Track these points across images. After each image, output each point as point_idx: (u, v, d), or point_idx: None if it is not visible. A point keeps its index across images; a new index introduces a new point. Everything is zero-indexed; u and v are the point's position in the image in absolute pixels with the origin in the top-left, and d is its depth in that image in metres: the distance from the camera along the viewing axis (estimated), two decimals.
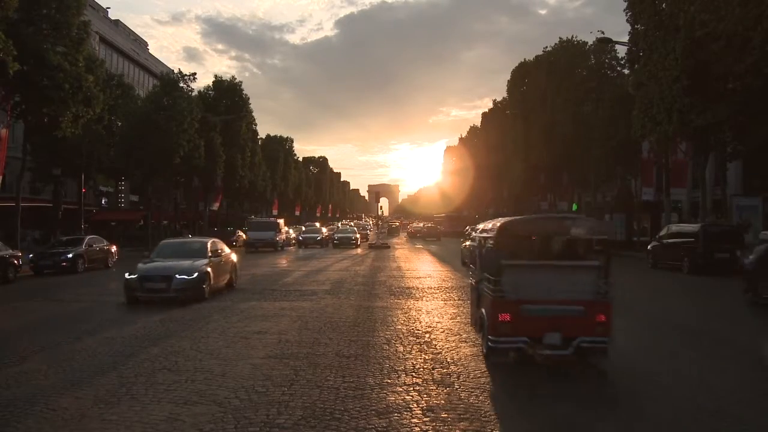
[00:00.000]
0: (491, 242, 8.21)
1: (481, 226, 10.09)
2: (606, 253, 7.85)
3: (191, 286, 14.01)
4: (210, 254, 15.47)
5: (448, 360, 8.28)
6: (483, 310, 8.14)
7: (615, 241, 29.96)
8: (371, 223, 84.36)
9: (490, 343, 7.70)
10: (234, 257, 17.71)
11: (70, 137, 27.71)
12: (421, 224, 77.30)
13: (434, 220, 77.03)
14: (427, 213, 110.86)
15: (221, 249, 16.77)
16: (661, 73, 23.47)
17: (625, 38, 28.15)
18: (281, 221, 42.95)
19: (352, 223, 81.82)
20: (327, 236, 48.15)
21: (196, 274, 14.15)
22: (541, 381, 7.18)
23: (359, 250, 40.42)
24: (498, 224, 8.38)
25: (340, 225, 77.54)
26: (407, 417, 5.89)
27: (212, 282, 14.89)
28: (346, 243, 42.88)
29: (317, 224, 69.61)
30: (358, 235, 44.75)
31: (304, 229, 52.28)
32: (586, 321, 7.31)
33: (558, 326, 7.33)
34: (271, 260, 30.46)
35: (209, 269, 14.75)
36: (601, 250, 8.25)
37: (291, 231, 49.76)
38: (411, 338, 9.83)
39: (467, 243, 21.34)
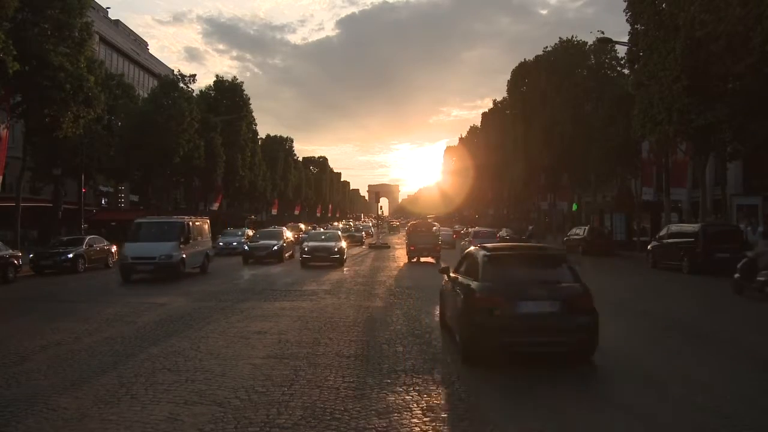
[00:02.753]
0: (408, 228, 32.23)
1: (410, 224, 35.35)
2: (437, 230, 31.18)
3: None
4: None
5: (448, 360, 8.28)
6: (407, 248, 29.36)
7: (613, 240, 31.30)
8: (370, 224, 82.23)
9: (408, 256, 28.91)
10: None
11: (71, 137, 27.74)
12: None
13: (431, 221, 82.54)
14: (427, 213, 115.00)
15: None
16: (661, 73, 23.45)
17: (625, 38, 28.16)
18: (201, 222, 23.42)
19: (353, 224, 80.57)
20: (293, 241, 32.78)
21: None
22: (542, 381, 7.18)
23: (361, 248, 40.26)
24: (409, 224, 39.60)
25: (333, 226, 68.70)
26: (407, 417, 5.89)
27: None
28: (322, 258, 25.50)
29: (303, 225, 59.27)
30: (342, 245, 27.16)
31: (258, 233, 33.04)
32: (433, 249, 28.56)
33: (426, 252, 28.52)
34: None
35: None
36: (437, 232, 30.81)
37: (249, 231, 38.20)
38: (411, 338, 9.84)
39: None
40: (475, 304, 7.89)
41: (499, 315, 7.63)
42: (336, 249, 26.06)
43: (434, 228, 31.09)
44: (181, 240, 20.32)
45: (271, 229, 36.97)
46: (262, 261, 27.02)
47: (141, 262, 19.62)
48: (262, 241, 28.66)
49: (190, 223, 21.68)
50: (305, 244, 27.01)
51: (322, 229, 51.25)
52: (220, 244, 34.57)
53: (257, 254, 27.39)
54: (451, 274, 9.83)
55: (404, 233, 76.31)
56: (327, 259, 25.46)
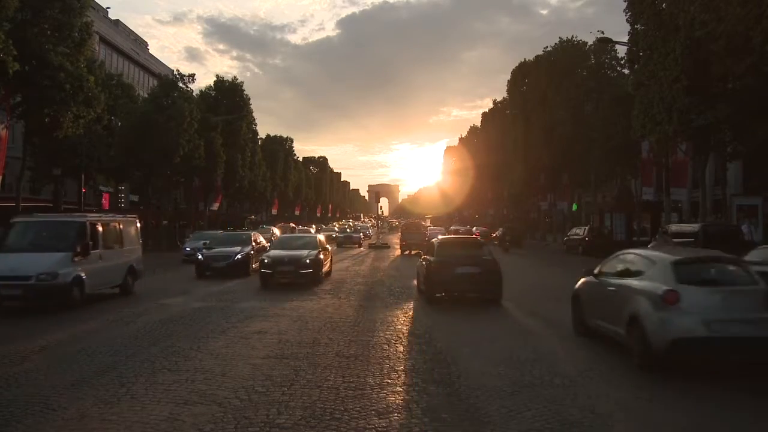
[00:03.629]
0: (401, 227, 48.76)
1: (403, 224, 53.87)
2: (425, 229, 40.92)
3: None
4: None
5: (448, 360, 8.29)
6: (400, 243, 36.56)
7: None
8: (369, 224, 77.96)
9: (401, 249, 35.45)
10: None
11: (71, 137, 27.74)
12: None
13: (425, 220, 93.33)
14: (425, 213, 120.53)
15: None
16: (661, 73, 23.44)
17: (625, 38, 28.14)
18: (121, 223, 16.54)
19: (352, 224, 79.18)
20: (262, 246, 23.77)
21: None
22: (543, 382, 7.18)
23: (359, 250, 40.16)
24: (402, 222, 67.09)
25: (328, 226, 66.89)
26: (407, 417, 5.90)
27: None
28: (287, 273, 18.32)
29: (293, 225, 54.67)
30: (321, 256, 19.12)
31: (219, 237, 25.97)
32: (420, 244, 30.51)
33: (414, 246, 33.02)
34: None
35: None
36: (425, 230, 38.78)
37: (204, 235, 29.53)
38: (411, 338, 9.85)
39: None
40: (432, 270, 13.77)
41: (445, 275, 13.41)
42: (308, 261, 18.09)
43: (422, 227, 41.51)
44: (78, 249, 13.46)
45: (236, 231, 29.61)
46: (222, 274, 20.53)
47: (6, 284, 12.50)
48: (221, 248, 21.89)
49: (97, 225, 14.68)
50: (266, 254, 19.49)
51: (310, 230, 47.89)
52: (187, 249, 28.52)
53: (214, 265, 20.95)
54: (423, 256, 16.10)
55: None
56: (295, 275, 18.08)
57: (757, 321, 7.23)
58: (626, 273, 8.68)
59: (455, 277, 13.28)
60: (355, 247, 42.65)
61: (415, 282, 16.41)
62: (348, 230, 52.40)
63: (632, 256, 9.02)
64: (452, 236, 20.42)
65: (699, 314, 7.20)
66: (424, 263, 14.80)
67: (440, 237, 17.79)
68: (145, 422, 5.70)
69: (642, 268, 8.35)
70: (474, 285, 13.45)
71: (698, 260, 8.49)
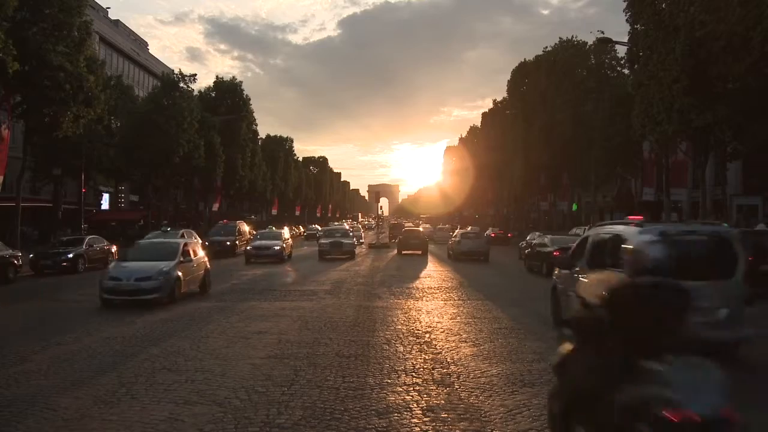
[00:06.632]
0: (391, 227, 61.63)
1: (391, 224, 72.50)
2: (398, 228, 57.84)
3: None
4: None
5: (448, 360, 8.29)
6: (389, 234, 52.41)
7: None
8: (351, 226, 55.38)
9: (389, 239, 48.41)
10: None
11: (70, 137, 27.73)
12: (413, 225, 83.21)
13: (423, 220, 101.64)
14: (422, 213, 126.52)
15: None
16: (661, 73, 23.43)
17: (626, 38, 28.13)
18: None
19: (348, 224, 77.09)
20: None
21: None
22: (542, 382, 7.18)
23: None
24: (392, 224, 73.72)
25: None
26: (407, 417, 5.90)
27: None
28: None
29: (246, 227, 37.41)
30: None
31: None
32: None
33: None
34: None
35: None
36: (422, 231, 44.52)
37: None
38: (411, 338, 9.84)
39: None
40: (400, 242, 36.21)
41: (405, 243, 35.18)
42: None
43: (405, 227, 52.26)
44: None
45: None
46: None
47: None
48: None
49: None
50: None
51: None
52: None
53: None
54: (398, 237, 39.68)
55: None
56: None
57: (476, 248, 30.09)
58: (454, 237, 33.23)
59: (408, 244, 34.19)
60: (346, 258, 30.53)
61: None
62: (337, 234, 34.28)
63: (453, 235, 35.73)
64: (409, 229, 42.61)
65: (465, 245, 30.37)
66: (396, 240, 36.93)
67: (404, 229, 43.24)
68: (145, 422, 5.70)
69: (456, 235, 33.31)
70: (416, 248, 33.66)
71: (467, 231, 34.78)
